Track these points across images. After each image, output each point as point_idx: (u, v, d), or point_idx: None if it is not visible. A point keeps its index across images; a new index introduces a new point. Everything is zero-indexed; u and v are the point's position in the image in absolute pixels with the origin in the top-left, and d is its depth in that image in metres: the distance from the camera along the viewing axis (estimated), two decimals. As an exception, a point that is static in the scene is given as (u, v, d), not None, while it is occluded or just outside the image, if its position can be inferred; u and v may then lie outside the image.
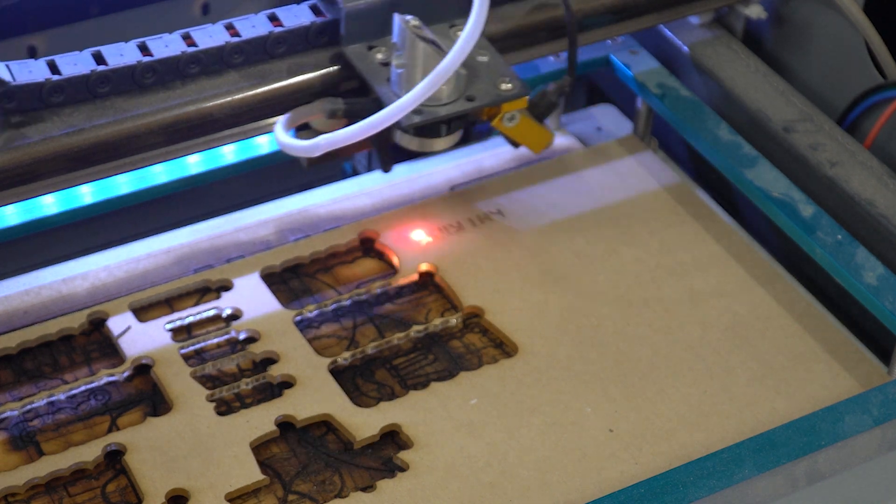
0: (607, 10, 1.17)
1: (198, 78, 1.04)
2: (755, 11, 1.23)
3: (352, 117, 1.05)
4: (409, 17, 1.03)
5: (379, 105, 1.03)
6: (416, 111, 1.03)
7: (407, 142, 1.06)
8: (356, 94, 1.07)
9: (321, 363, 1.03)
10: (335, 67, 1.07)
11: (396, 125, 1.03)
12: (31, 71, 0.99)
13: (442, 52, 1.02)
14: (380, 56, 1.06)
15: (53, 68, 1.00)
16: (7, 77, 0.98)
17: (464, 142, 1.23)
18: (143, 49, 1.03)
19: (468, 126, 1.11)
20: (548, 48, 1.16)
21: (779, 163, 1.14)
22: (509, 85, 1.06)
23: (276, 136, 1.04)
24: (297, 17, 1.07)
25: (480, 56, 1.07)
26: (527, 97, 1.08)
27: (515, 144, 1.14)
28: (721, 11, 1.25)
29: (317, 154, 1.02)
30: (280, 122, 1.05)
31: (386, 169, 1.11)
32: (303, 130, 1.07)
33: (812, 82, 1.22)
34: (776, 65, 1.24)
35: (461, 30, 1.05)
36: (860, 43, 1.19)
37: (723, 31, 1.25)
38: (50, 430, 0.99)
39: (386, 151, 1.09)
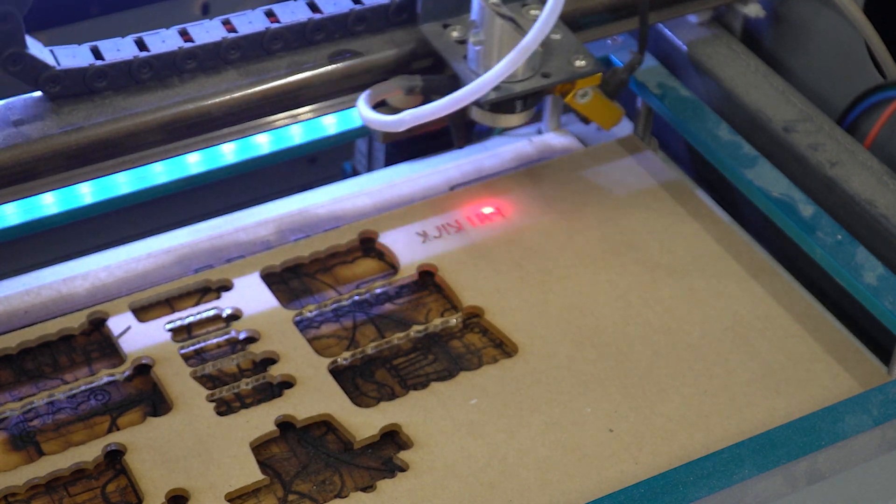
0: (606, 8, 1.17)
1: (195, 74, 1.04)
2: (754, 10, 1.23)
3: (429, 94, 1.07)
4: None
5: (455, 82, 1.06)
6: (493, 87, 1.04)
7: (481, 117, 1.09)
8: (429, 72, 1.09)
9: (321, 363, 1.03)
10: (409, 46, 1.08)
11: (473, 101, 1.04)
12: (41, 51, 1.00)
13: (520, 30, 1.04)
14: (455, 34, 1.09)
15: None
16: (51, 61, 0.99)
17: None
18: (140, 44, 1.03)
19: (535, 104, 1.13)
20: (616, 27, 1.17)
21: (779, 163, 1.14)
22: (583, 62, 1.09)
23: (361, 112, 1.06)
24: (294, 14, 1.07)
25: (554, 34, 1.10)
26: (600, 74, 1.10)
27: (586, 121, 1.16)
28: (720, 10, 1.25)
29: (403, 128, 1.04)
30: (362, 98, 1.06)
31: (460, 145, 1.13)
32: (380, 107, 1.08)
33: (811, 82, 1.22)
34: (775, 64, 1.24)
35: (533, 9, 1.08)
36: (860, 42, 1.19)
37: (721, 30, 1.25)
38: (50, 430, 0.99)
39: (461, 127, 1.11)
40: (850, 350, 1.05)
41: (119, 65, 1.02)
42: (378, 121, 1.05)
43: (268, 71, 1.06)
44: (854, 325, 1.10)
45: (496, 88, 1.05)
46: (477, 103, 1.07)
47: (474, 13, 1.07)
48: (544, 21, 1.02)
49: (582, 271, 1.10)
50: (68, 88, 1.01)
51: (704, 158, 1.16)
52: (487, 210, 1.14)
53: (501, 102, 1.07)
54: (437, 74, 1.09)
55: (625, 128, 1.24)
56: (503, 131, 1.23)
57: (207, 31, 1.05)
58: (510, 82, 1.06)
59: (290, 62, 1.07)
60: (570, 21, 1.15)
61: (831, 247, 1.07)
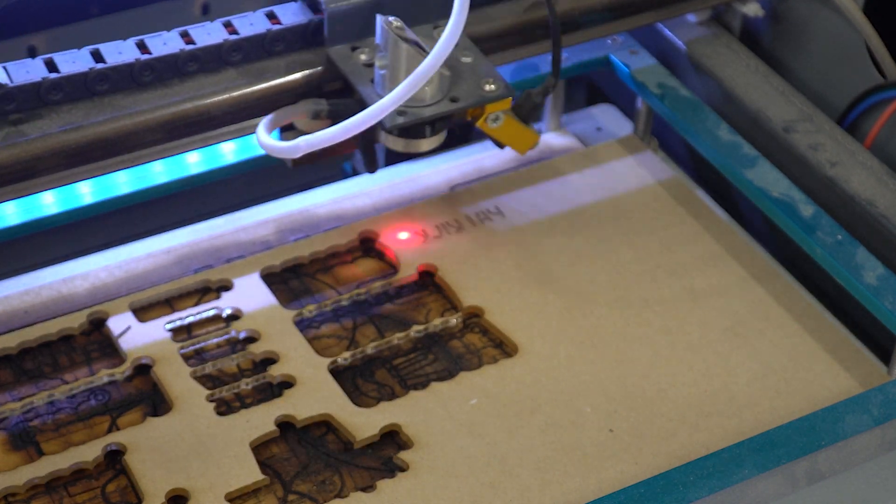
0: (605, 7, 1.17)
1: (196, 75, 1.04)
2: (752, 9, 1.23)
3: (336, 118, 1.05)
4: (391, 18, 1.03)
5: (363, 106, 1.03)
6: (400, 112, 1.03)
7: (392, 143, 1.06)
8: (340, 95, 1.07)
9: (321, 363, 1.03)
10: (319, 68, 1.07)
11: (381, 126, 1.03)
12: (29, 71, 0.99)
13: (424, 53, 1.02)
14: (363, 57, 1.07)
15: (51, 66, 1.01)
16: (4, 79, 0.98)
17: (464, 142, 1.23)
18: (142, 47, 1.03)
19: (454, 127, 1.11)
20: (546, 46, 1.16)
21: (779, 163, 1.14)
22: (493, 86, 1.06)
23: (258, 137, 1.03)
24: (294, 15, 1.07)
25: (464, 57, 1.07)
26: (510, 98, 1.07)
27: (500, 145, 1.14)
28: (718, 9, 1.25)
29: (298, 155, 1.01)
30: (262, 122, 1.04)
31: (370, 170, 1.11)
32: (288, 131, 1.07)
33: (811, 81, 1.22)
34: (774, 63, 1.24)
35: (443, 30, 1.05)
36: (859, 42, 1.18)
37: (720, 29, 1.25)
38: (50, 430, 0.99)
39: (371, 152, 1.10)
40: (850, 350, 1.05)
41: (121, 68, 1.01)
42: (273, 147, 1.02)
43: (267, 70, 1.06)
44: (854, 325, 1.10)
45: (403, 113, 1.03)
46: (385, 128, 1.04)
47: (378, 37, 1.04)
48: (444, 44, 1.00)
49: (582, 271, 1.10)
50: (71, 94, 1.01)
51: (704, 158, 1.16)
52: (403, 235, 1.12)
53: (410, 127, 1.05)
54: (345, 98, 1.07)
55: (625, 128, 1.24)
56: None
57: (209, 34, 1.05)
58: (417, 107, 1.04)
59: (289, 62, 1.07)
60: (569, 20, 1.15)
61: (831, 247, 1.07)
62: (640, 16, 1.19)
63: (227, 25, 1.06)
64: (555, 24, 1.10)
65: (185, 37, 1.04)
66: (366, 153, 1.09)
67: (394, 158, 1.24)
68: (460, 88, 1.06)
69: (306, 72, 1.07)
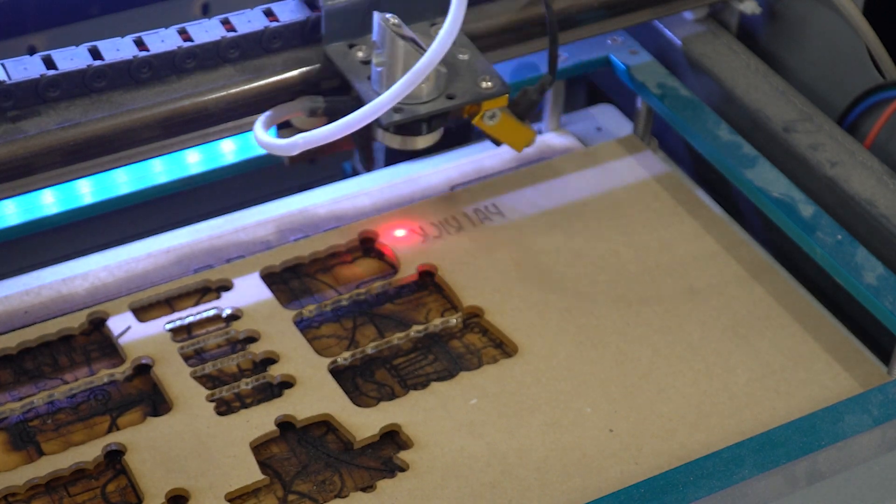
0: (602, 4, 1.17)
1: (194, 73, 1.04)
2: (749, 7, 1.23)
3: (332, 115, 1.05)
4: (388, 16, 1.03)
5: (359, 103, 1.03)
6: (396, 109, 1.03)
7: (388, 140, 1.06)
8: (337, 93, 1.07)
9: (321, 363, 1.03)
10: (316, 66, 1.07)
11: (377, 123, 1.03)
12: (27, 68, 0.99)
13: (422, 50, 1.02)
14: (360, 54, 1.07)
15: (49, 63, 1.01)
16: (3, 76, 0.98)
17: (464, 142, 1.23)
18: (140, 44, 1.03)
19: (452, 125, 1.11)
20: (543, 43, 1.16)
21: (779, 163, 1.14)
22: (489, 83, 1.06)
23: (255, 135, 1.03)
24: (292, 13, 1.07)
25: (461, 54, 1.08)
26: (507, 95, 1.07)
27: (497, 143, 1.14)
28: (715, 7, 1.25)
29: (295, 152, 1.02)
30: (259, 120, 1.04)
31: (368, 168, 1.11)
32: (284, 128, 1.07)
33: (808, 80, 1.22)
34: (771, 61, 1.24)
35: (441, 28, 1.05)
36: (858, 41, 1.18)
37: (717, 27, 1.25)
38: (50, 430, 0.99)
39: (368, 150, 1.09)
40: (850, 350, 1.05)
41: (118, 65, 1.02)
42: (271, 144, 1.02)
43: (265, 67, 1.06)
44: (854, 325, 1.10)
45: (399, 110, 1.03)
46: (381, 125, 1.04)
47: (375, 34, 1.04)
48: (441, 41, 1.00)
49: (582, 271, 1.10)
50: (68, 91, 1.01)
51: (704, 158, 1.16)
52: (400, 233, 1.12)
53: (407, 125, 1.05)
54: (343, 96, 1.07)
55: (625, 128, 1.24)
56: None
57: (206, 31, 1.05)
58: (414, 104, 1.04)
59: (286, 59, 1.07)
60: (566, 18, 1.15)
61: (831, 247, 1.07)
62: (637, 13, 1.19)
63: (225, 23, 1.06)
64: (552, 21, 1.10)
65: (183, 34, 1.04)
66: (363, 150, 1.09)
67: (394, 158, 1.24)
68: (457, 85, 1.06)
69: (303, 69, 1.07)
